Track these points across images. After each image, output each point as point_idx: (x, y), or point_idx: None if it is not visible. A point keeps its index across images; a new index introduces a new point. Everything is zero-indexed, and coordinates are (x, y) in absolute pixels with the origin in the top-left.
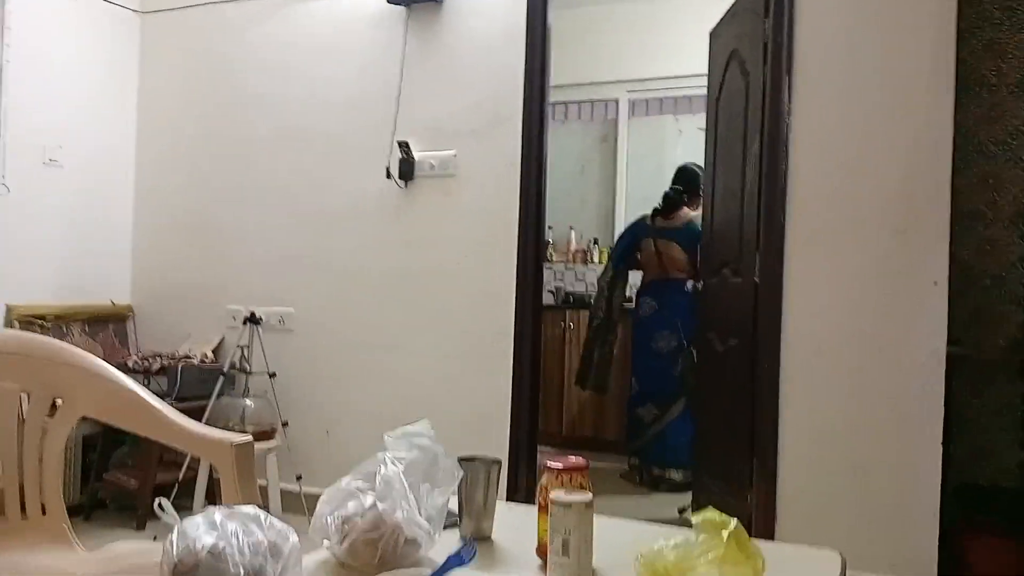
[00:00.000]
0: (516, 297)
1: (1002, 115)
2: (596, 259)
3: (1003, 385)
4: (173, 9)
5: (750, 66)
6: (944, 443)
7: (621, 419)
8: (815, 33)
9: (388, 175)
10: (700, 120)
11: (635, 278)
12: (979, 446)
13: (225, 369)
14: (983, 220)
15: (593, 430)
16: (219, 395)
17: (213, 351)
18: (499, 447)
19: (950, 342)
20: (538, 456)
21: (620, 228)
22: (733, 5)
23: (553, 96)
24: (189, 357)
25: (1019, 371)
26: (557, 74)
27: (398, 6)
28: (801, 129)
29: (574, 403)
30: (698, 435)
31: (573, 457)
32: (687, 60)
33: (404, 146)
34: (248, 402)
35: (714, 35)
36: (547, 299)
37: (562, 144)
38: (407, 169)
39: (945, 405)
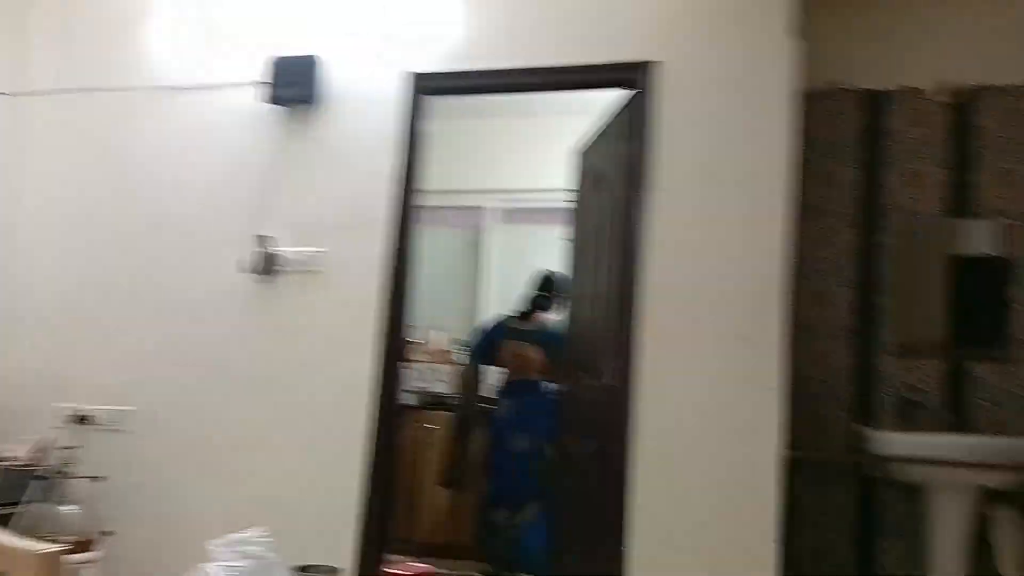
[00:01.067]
0: (374, 396)
1: (832, 238)
2: (458, 361)
3: (838, 486)
4: (47, 93)
5: (610, 183)
6: (787, 542)
7: (480, 526)
8: (669, 155)
9: (251, 269)
10: (561, 231)
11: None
12: (818, 544)
13: (42, 472)
14: (815, 333)
15: (454, 536)
16: (33, 501)
17: (36, 453)
18: (346, 554)
19: (786, 445)
20: (387, 564)
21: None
22: (595, 126)
23: (424, 200)
24: (2, 459)
25: (851, 473)
26: (429, 179)
27: (273, 105)
28: (653, 242)
29: (434, 508)
30: (556, 539)
31: (419, 565)
32: (552, 175)
33: (269, 241)
34: (65, 509)
35: (577, 152)
36: (410, 400)
37: (429, 246)
38: (271, 264)
39: (787, 505)
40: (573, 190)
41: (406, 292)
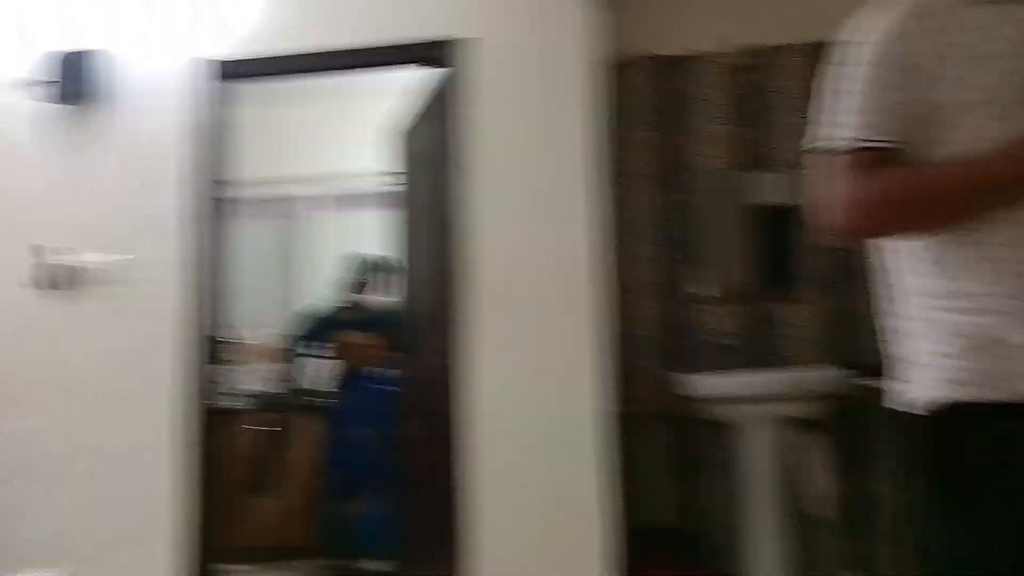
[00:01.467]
0: (189, 403)
1: (645, 200)
2: (287, 358)
3: (662, 434)
4: None
5: (431, 162)
6: (619, 493)
7: (316, 522)
8: (485, 131)
9: (38, 283)
10: (388, 215)
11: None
12: (648, 492)
13: None
14: (635, 290)
15: (290, 537)
16: None
17: None
18: (167, 569)
19: (614, 400)
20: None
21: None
22: (410, 106)
23: (233, 193)
24: None
25: (674, 420)
26: (243, 171)
27: (53, 103)
28: (478, 218)
29: (269, 512)
30: (397, 523)
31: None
32: (370, 158)
33: (59, 250)
34: None
35: (394, 133)
36: (232, 401)
37: (249, 241)
38: (61, 275)
39: (614, 458)
40: (398, 172)
41: (219, 291)
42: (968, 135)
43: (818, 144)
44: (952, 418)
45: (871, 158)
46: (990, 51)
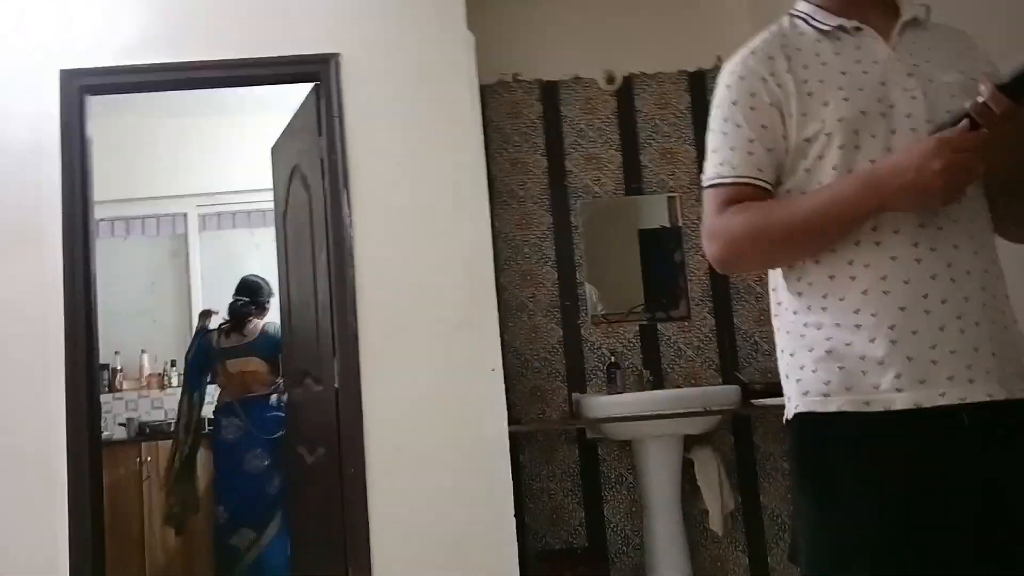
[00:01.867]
0: (68, 435)
1: (531, 222)
2: (175, 383)
3: (563, 454)
4: None
5: (311, 180)
6: (518, 514)
7: (213, 555)
8: (366, 150)
9: None
10: (270, 232)
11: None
12: (551, 512)
13: None
14: (526, 311)
15: (188, 572)
16: None
17: None
18: None
19: (512, 421)
20: None
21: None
22: (290, 123)
23: (112, 211)
24: None
25: (575, 440)
26: (114, 187)
27: None
28: (363, 238)
29: (157, 547)
30: (294, 551)
31: None
32: (256, 174)
33: None
34: None
35: (275, 150)
36: (118, 432)
37: (127, 261)
38: None
39: (516, 479)
40: (276, 189)
41: (92, 312)
42: (835, 164)
43: (702, 180)
44: (809, 428)
45: (730, 194)
46: (846, 82)
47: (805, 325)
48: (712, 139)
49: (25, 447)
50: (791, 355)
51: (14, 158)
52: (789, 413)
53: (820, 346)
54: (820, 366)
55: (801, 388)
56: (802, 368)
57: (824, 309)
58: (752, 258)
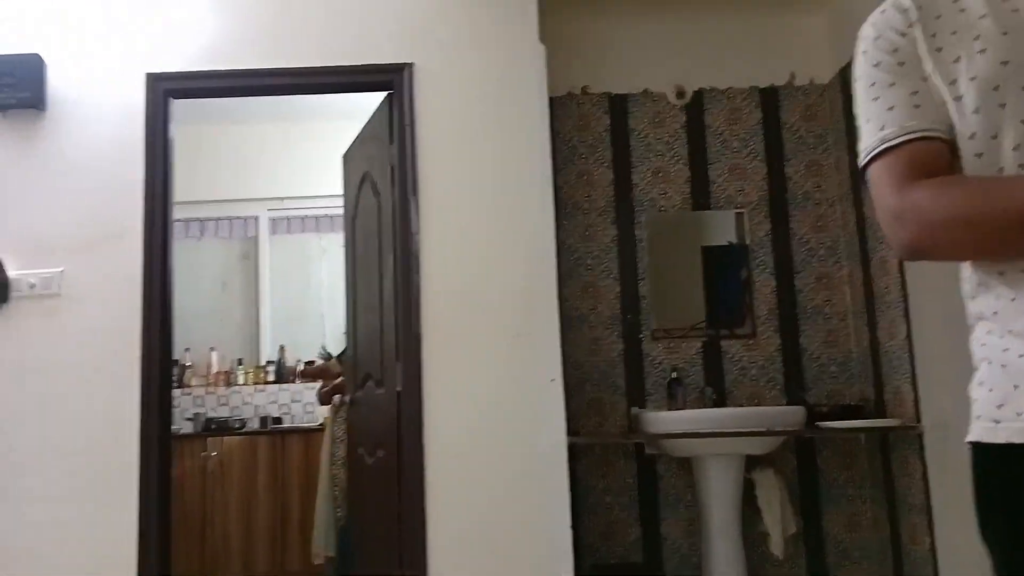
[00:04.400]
0: (141, 427)
1: (595, 234)
2: (241, 380)
3: (620, 468)
4: None
5: (381, 187)
6: (579, 526)
7: (275, 550)
8: (435, 158)
9: None
10: (342, 238)
11: None
12: (606, 526)
13: None
14: (587, 323)
15: (243, 566)
16: None
17: None
18: None
19: (570, 432)
20: None
21: (267, 346)
22: (362, 130)
23: (188, 212)
24: None
25: (632, 454)
26: (192, 189)
27: None
28: (429, 245)
29: (218, 539)
30: (355, 548)
31: None
32: (326, 181)
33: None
34: None
35: (347, 157)
36: (185, 427)
37: (200, 261)
38: (0, 289)
39: (571, 491)
40: (346, 195)
41: (169, 310)
42: (973, 132)
43: (861, 160)
44: (984, 457)
45: (906, 156)
46: (987, 28)
47: (988, 333)
48: (863, 110)
49: (101, 436)
50: (975, 368)
51: (102, 157)
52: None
53: (997, 359)
54: (994, 383)
55: (974, 410)
56: (980, 384)
57: (996, 314)
58: (962, 247)
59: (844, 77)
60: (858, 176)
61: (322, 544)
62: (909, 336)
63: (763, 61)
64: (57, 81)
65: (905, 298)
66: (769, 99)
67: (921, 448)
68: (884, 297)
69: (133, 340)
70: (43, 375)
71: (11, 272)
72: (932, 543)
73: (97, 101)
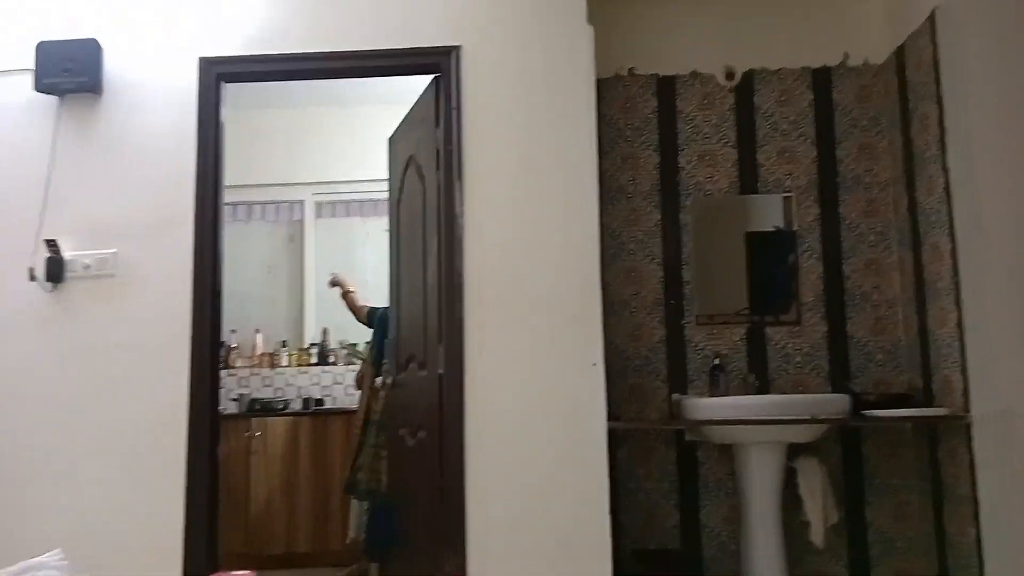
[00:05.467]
0: (190, 406)
1: (639, 218)
2: (285, 362)
3: (660, 454)
4: None
5: (426, 171)
6: (613, 511)
7: (316, 530)
8: (481, 142)
9: (32, 277)
10: (386, 222)
11: None
12: (646, 512)
13: None
14: (629, 308)
15: (285, 546)
16: None
17: None
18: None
19: (611, 418)
20: None
21: (311, 328)
22: (408, 114)
23: (235, 196)
24: None
25: (673, 441)
26: (239, 174)
27: (49, 95)
28: (473, 229)
29: (262, 519)
30: (397, 531)
31: (240, 573)
32: (370, 165)
33: (52, 244)
34: None
35: (392, 141)
36: (230, 407)
37: (247, 244)
38: (56, 269)
39: (611, 476)
40: (391, 178)
41: (218, 292)
42: None
43: None
44: None
45: None
46: None
47: None
48: None
49: (153, 417)
50: None
51: (156, 141)
52: None
53: None
54: None
55: None
56: None
57: None
58: None
59: (900, 57)
60: (912, 159)
61: (353, 524)
62: (960, 324)
63: (816, 41)
64: (113, 66)
65: (957, 285)
66: (821, 80)
67: (969, 438)
68: (935, 284)
69: (184, 321)
70: (96, 355)
71: (67, 253)
72: (978, 535)
73: (151, 85)
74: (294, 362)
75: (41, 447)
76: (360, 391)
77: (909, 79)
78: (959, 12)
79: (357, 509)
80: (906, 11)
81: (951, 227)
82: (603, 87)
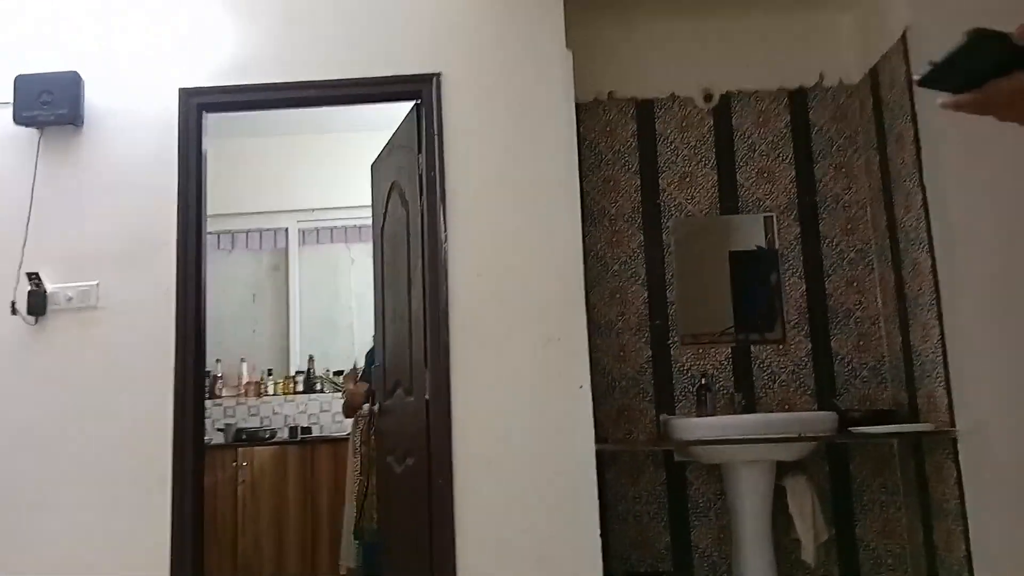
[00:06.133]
0: (174, 437)
1: (622, 240)
2: (271, 391)
3: (649, 475)
4: None
5: (409, 196)
6: (603, 534)
7: (305, 560)
8: (463, 167)
9: (14, 311)
10: (371, 248)
11: None
12: (636, 534)
13: None
14: (615, 329)
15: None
16: None
17: None
18: None
19: (599, 439)
20: None
21: (296, 356)
22: (390, 140)
23: (218, 224)
24: None
25: (662, 461)
26: (221, 202)
27: (28, 127)
28: (457, 253)
29: (249, 548)
30: (385, 556)
31: None
32: (355, 191)
33: (34, 277)
34: None
35: (375, 167)
36: (217, 437)
37: (230, 273)
38: (38, 302)
39: (600, 498)
40: (375, 205)
41: (202, 321)
42: None
43: None
44: None
45: None
46: None
47: None
48: None
49: (137, 445)
50: None
51: (137, 171)
52: None
53: None
54: None
55: None
56: None
57: None
58: None
59: (874, 76)
60: (889, 177)
61: (346, 554)
62: (942, 339)
63: (791, 62)
64: (93, 97)
65: (938, 300)
66: (798, 101)
67: (955, 453)
68: (916, 300)
69: (167, 351)
70: (80, 386)
71: (49, 286)
72: (967, 550)
73: (132, 117)
74: (280, 390)
75: (25, 480)
76: (351, 419)
77: (884, 98)
78: (930, 30)
79: (350, 538)
80: (878, 31)
81: (930, 244)
82: (583, 111)
